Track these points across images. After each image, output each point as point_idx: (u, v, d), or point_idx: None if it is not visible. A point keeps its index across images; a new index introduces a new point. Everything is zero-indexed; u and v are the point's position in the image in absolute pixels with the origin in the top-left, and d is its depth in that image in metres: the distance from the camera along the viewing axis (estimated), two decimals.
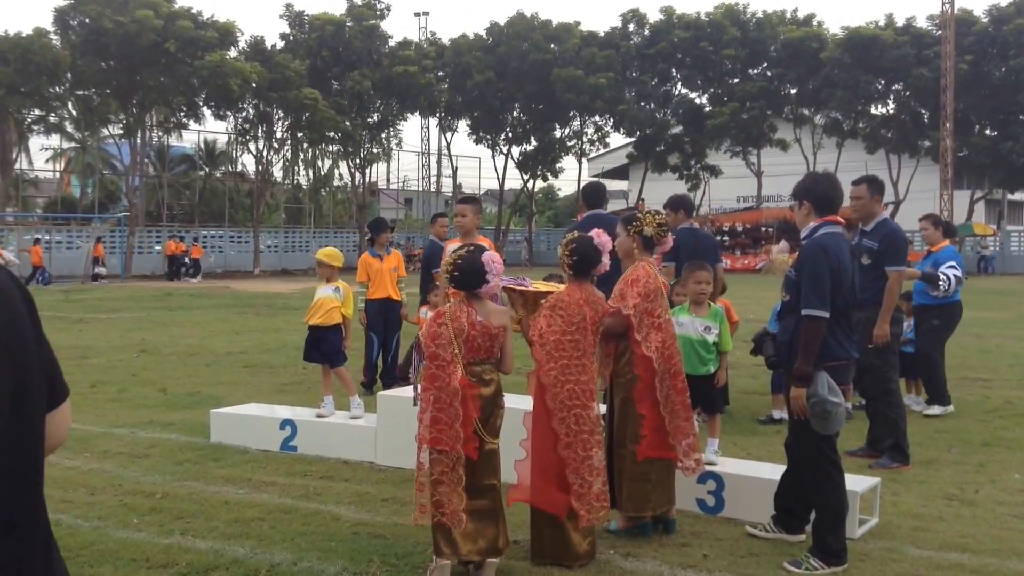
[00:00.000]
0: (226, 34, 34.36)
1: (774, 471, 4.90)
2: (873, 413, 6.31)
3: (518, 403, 4.92)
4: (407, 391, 5.77)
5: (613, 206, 49.42)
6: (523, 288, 4.54)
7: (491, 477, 4.05)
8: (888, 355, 6.15)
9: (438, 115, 44.78)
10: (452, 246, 7.94)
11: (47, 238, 31.54)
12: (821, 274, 4.15)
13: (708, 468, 4.99)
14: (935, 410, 7.64)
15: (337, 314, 7.01)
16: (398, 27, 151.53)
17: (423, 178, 50.60)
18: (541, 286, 4.66)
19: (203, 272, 33.89)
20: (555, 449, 4.16)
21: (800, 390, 4.17)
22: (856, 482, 4.72)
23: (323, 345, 7.00)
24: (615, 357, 4.59)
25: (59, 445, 1.54)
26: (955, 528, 4.74)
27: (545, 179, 47.18)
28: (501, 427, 4.12)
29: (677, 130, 43.17)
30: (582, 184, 8.22)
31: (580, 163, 46.15)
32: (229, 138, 41.83)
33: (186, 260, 33.41)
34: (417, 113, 43.74)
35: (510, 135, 43.97)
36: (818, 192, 4.38)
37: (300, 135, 39.31)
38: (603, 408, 4.63)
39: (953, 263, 7.67)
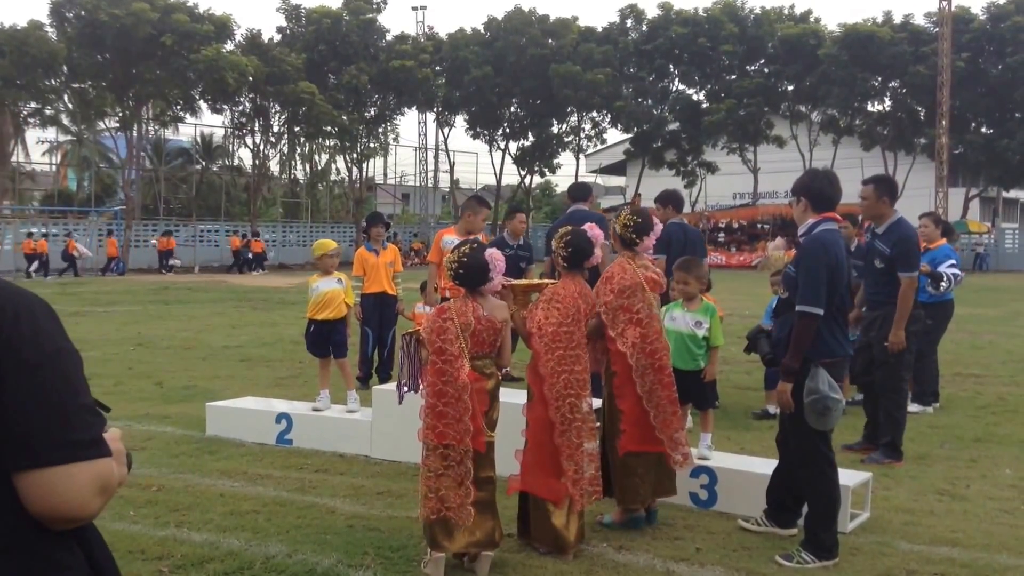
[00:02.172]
0: (222, 27, 34.30)
1: (766, 465, 4.94)
2: (875, 408, 6.32)
3: (515, 398, 4.95)
4: None
5: (610, 202, 49.48)
6: (512, 283, 4.58)
7: (490, 470, 4.08)
8: (904, 354, 6.08)
9: (435, 110, 44.70)
10: (448, 236, 8.01)
11: (44, 231, 31.42)
12: (818, 271, 4.16)
13: (701, 462, 5.03)
14: (914, 408, 7.65)
15: (344, 306, 7.04)
16: (395, 21, 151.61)
17: (420, 173, 50.56)
18: (519, 284, 4.73)
19: (200, 266, 33.88)
20: (552, 438, 4.20)
21: (786, 384, 4.20)
22: (848, 476, 4.75)
23: (334, 337, 7.01)
24: (601, 353, 4.63)
25: (58, 515, 1.34)
26: (946, 523, 4.78)
27: (542, 175, 47.17)
28: (497, 420, 4.15)
29: (674, 126, 43.13)
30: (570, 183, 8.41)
31: (577, 159, 46.13)
32: (226, 132, 41.78)
33: (249, 255, 33.54)
34: (414, 108, 43.69)
35: (507, 130, 43.88)
36: (814, 189, 4.39)
37: (297, 129, 39.27)
38: (597, 402, 4.66)
39: (953, 261, 7.71)
